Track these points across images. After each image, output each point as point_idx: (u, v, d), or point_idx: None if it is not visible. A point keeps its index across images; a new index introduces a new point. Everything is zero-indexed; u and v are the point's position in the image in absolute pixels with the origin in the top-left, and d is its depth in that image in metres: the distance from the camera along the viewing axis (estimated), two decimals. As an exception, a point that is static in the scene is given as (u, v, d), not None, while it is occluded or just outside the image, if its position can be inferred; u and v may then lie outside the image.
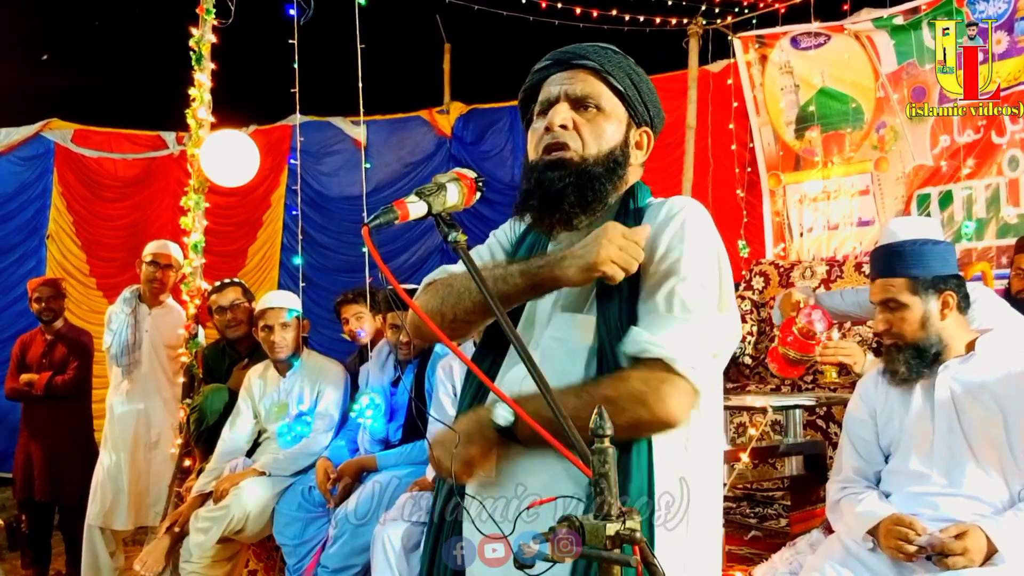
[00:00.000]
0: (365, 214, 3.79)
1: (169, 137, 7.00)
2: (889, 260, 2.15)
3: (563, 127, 1.32)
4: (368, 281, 3.71)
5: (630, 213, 1.34)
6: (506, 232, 1.52)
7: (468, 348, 3.08)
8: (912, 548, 1.94)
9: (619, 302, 1.24)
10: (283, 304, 3.46)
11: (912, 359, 2.11)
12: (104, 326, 4.06)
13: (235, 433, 3.45)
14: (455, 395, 2.99)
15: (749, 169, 5.50)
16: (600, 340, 1.23)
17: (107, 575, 3.90)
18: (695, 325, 1.20)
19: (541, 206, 1.32)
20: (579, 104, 1.34)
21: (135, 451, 3.91)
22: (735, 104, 5.49)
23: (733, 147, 5.52)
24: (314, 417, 3.37)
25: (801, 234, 5.13)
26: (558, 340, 1.28)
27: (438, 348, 3.29)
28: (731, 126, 5.54)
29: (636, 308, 1.23)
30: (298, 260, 3.91)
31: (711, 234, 1.29)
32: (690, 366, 1.17)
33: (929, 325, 2.10)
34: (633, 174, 1.39)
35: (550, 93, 1.37)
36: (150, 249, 4.09)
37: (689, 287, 1.21)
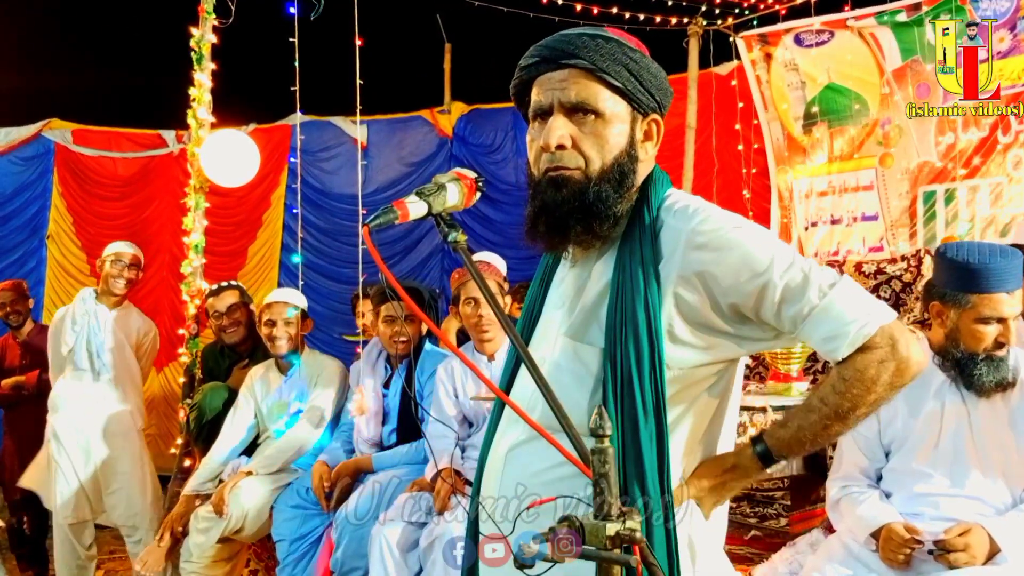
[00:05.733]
0: (360, 211, 3.78)
1: (169, 136, 6.97)
2: (1016, 270, 2.09)
3: (560, 147, 1.22)
4: (363, 278, 3.71)
5: (645, 229, 1.23)
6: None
7: (469, 350, 3.07)
8: (902, 557, 1.97)
9: (634, 337, 1.17)
10: (287, 300, 3.46)
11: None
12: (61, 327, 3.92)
13: (235, 428, 3.44)
14: (455, 396, 2.99)
15: (755, 170, 5.49)
16: (609, 371, 1.19)
17: (85, 564, 3.87)
18: (845, 284, 1.18)
19: (548, 232, 1.25)
20: (574, 111, 1.23)
21: (103, 449, 3.84)
22: (741, 104, 5.48)
23: (740, 147, 5.51)
24: (304, 413, 3.37)
25: (806, 228, 5.13)
26: (561, 367, 1.24)
27: (428, 347, 3.28)
28: (737, 127, 5.53)
29: (657, 341, 1.17)
30: (297, 258, 3.90)
31: (750, 223, 1.23)
32: (884, 315, 1.17)
33: None
34: (643, 170, 1.29)
35: (541, 101, 1.25)
36: (111, 249, 4.00)
37: (803, 269, 1.18)
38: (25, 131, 6.93)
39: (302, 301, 3.53)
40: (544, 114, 1.25)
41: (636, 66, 1.25)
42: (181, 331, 4.00)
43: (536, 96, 1.27)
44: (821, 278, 1.17)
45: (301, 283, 3.83)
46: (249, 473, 3.21)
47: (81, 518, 3.84)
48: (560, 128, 1.22)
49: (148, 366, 4.08)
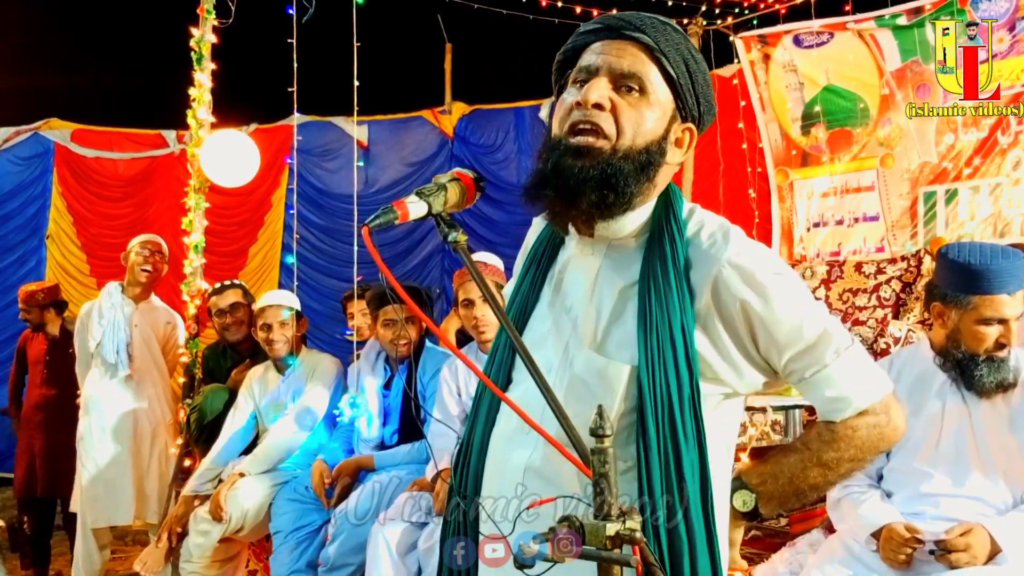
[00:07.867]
0: (356, 212, 3.76)
1: (170, 135, 6.99)
2: (1018, 272, 2.09)
3: (598, 106, 1.15)
4: (358, 280, 3.70)
5: (675, 241, 1.19)
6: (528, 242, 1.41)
7: (473, 350, 3.07)
8: (903, 557, 1.97)
9: (673, 361, 1.14)
10: (280, 302, 3.46)
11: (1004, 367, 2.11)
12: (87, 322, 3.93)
13: (234, 428, 3.44)
14: (459, 395, 2.98)
15: (760, 169, 5.47)
16: (648, 396, 1.14)
17: (99, 569, 3.88)
18: (857, 349, 1.22)
19: (557, 196, 1.17)
20: (622, 81, 1.17)
21: (134, 447, 3.86)
22: (743, 103, 5.47)
23: (744, 146, 5.50)
24: (294, 409, 3.36)
25: (808, 229, 5.12)
26: (584, 382, 1.19)
27: (429, 347, 3.28)
28: (740, 125, 5.51)
29: (693, 365, 1.14)
30: (291, 259, 3.90)
31: (778, 259, 1.24)
32: (886, 385, 1.25)
33: None
34: (664, 175, 1.22)
35: (590, 61, 1.19)
36: (133, 241, 4.01)
37: (825, 326, 1.20)
38: (24, 130, 6.93)
39: (295, 302, 3.52)
40: (589, 76, 1.19)
41: (695, 65, 1.22)
42: (181, 329, 4.00)
43: (585, 60, 1.21)
44: (839, 339, 1.19)
45: (296, 284, 3.83)
46: (241, 475, 3.21)
47: (107, 522, 3.83)
48: (603, 88, 1.16)
49: (175, 359, 4.05)
